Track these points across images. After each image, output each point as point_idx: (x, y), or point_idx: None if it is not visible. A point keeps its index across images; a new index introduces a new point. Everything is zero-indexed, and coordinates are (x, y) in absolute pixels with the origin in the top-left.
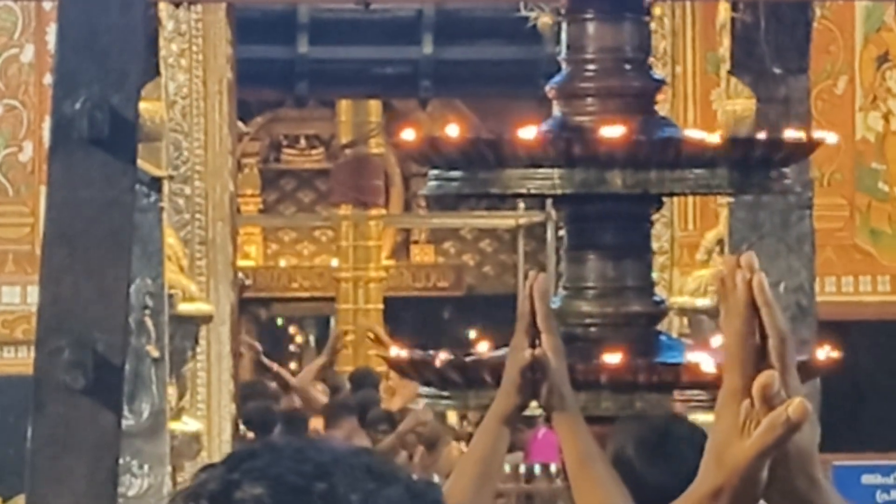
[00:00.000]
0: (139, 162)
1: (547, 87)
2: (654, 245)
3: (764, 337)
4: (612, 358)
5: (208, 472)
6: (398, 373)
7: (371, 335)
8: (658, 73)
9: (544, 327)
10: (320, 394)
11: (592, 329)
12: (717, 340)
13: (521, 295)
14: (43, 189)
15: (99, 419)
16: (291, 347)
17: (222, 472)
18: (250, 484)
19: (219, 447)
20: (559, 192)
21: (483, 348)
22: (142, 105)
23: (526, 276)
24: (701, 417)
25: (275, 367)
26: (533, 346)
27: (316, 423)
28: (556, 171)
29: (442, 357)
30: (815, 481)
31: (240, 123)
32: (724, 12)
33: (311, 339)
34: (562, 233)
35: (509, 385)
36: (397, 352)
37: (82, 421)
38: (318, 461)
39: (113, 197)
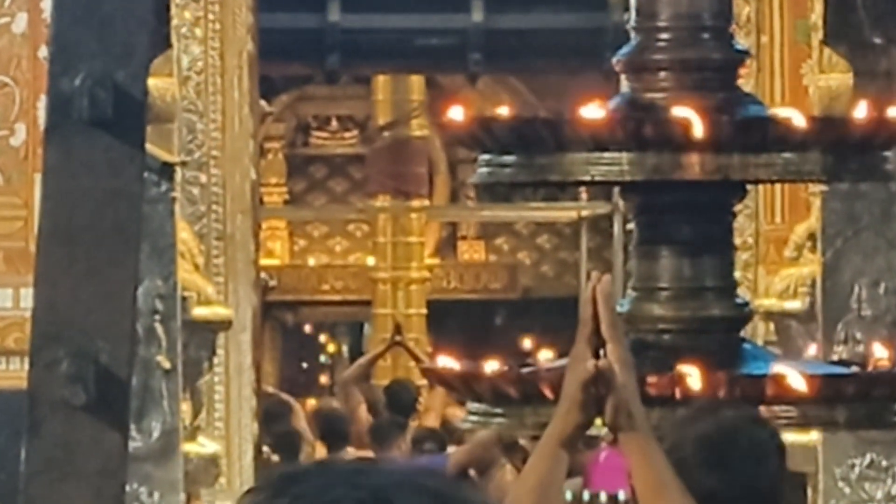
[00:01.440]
0: (148, 146)
1: (614, 60)
2: (737, 240)
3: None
4: (689, 369)
5: (251, 497)
6: (444, 387)
7: (398, 339)
8: (741, 43)
9: (610, 335)
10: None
11: (666, 336)
12: (809, 349)
13: (584, 298)
14: (38, 177)
15: (102, 440)
16: (322, 358)
17: (267, 498)
18: None
19: (239, 471)
20: (628, 179)
21: (541, 358)
22: (150, 82)
23: (589, 277)
24: (790, 437)
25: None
26: (597, 356)
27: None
28: (624, 156)
29: (494, 368)
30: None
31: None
32: None
33: (344, 348)
34: (631, 226)
35: (569, 402)
36: (443, 362)
37: (83, 442)
38: (377, 485)
39: (118, 186)
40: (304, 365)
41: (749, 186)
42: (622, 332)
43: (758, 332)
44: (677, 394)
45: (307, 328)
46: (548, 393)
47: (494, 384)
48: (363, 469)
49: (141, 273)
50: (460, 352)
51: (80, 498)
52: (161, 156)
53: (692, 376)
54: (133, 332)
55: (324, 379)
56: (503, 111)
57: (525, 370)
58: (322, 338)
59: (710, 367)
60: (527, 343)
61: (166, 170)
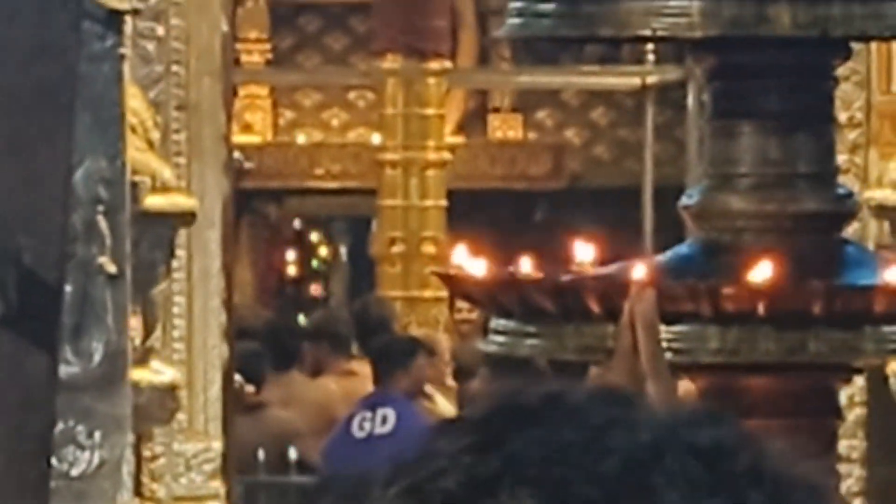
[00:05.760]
0: None
1: None
2: (841, 114)
3: None
4: (775, 277)
5: (446, 440)
6: (463, 298)
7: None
8: None
9: (651, 370)
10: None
11: (746, 235)
12: None
13: (622, 321)
14: None
15: (25, 363)
16: (314, 263)
17: (478, 444)
18: (523, 487)
19: (204, 406)
20: (700, 34)
21: (587, 263)
22: None
23: (656, 162)
24: None
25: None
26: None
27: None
28: (695, 4)
29: (529, 275)
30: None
31: None
32: None
33: (343, 250)
34: (706, 96)
35: None
36: (463, 268)
37: (2, 365)
38: (648, 440)
39: (47, 38)
40: (292, 271)
41: (856, 45)
42: (666, 365)
43: (868, 231)
44: (760, 309)
45: (295, 224)
46: (594, 307)
47: (526, 295)
48: (612, 419)
49: (79, 151)
50: (489, 255)
51: None
52: (106, 1)
53: (780, 287)
54: (66, 225)
55: (316, 289)
56: None
57: (567, 277)
58: (314, 237)
59: (804, 276)
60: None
61: (112, 19)
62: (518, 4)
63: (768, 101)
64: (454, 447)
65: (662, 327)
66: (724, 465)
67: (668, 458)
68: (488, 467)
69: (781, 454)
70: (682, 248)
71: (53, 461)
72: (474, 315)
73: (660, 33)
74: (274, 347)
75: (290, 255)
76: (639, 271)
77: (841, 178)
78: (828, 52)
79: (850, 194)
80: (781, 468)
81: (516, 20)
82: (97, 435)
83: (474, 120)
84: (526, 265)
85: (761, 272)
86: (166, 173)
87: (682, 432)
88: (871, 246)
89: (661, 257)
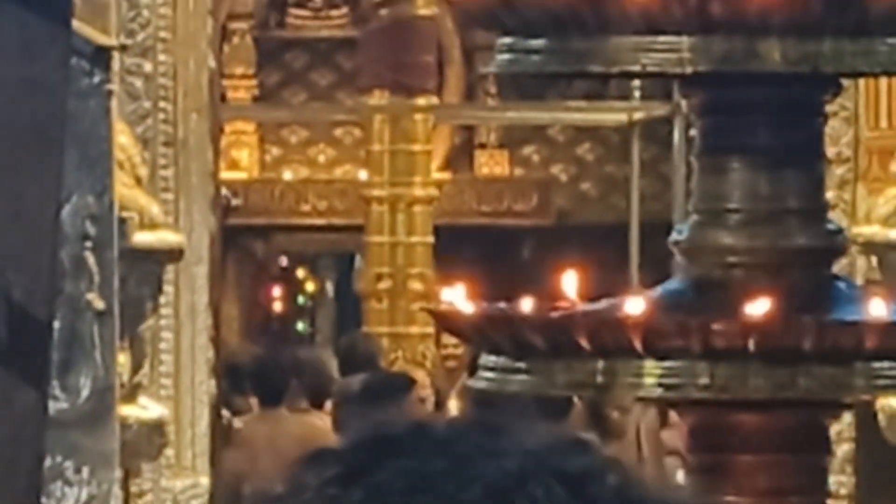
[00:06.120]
0: (76, 24)
1: None
2: (829, 150)
3: None
4: (766, 313)
5: (317, 469)
6: (454, 334)
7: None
8: None
9: None
10: None
11: (736, 271)
12: None
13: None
14: None
15: (14, 399)
16: (300, 299)
17: (348, 472)
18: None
19: (191, 442)
20: (690, 70)
21: (576, 300)
22: None
23: (643, 198)
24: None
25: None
26: None
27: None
28: (685, 40)
29: (519, 311)
30: None
31: None
32: None
33: (329, 286)
34: (694, 132)
35: None
36: (453, 305)
37: None
38: (514, 467)
39: (36, 75)
40: (278, 307)
41: (845, 81)
42: None
43: (856, 267)
44: (750, 345)
45: (281, 261)
46: (584, 343)
47: (517, 331)
48: (487, 429)
49: (67, 188)
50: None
51: None
52: (94, 37)
53: (770, 323)
54: (55, 262)
55: (302, 326)
56: None
57: (557, 314)
58: (300, 273)
59: (794, 312)
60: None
61: (100, 55)
62: (507, 41)
63: (758, 136)
64: (320, 478)
65: (653, 362)
66: (590, 490)
67: (533, 484)
68: (352, 498)
69: (649, 480)
70: (673, 284)
71: (42, 498)
72: (460, 351)
73: (650, 69)
74: (262, 384)
75: (277, 291)
76: (633, 306)
77: (830, 214)
78: (818, 88)
79: (839, 230)
80: (648, 493)
81: (506, 56)
82: (85, 471)
83: (461, 156)
84: (515, 302)
85: (751, 308)
86: (154, 209)
87: (549, 459)
88: (859, 282)
89: (652, 293)
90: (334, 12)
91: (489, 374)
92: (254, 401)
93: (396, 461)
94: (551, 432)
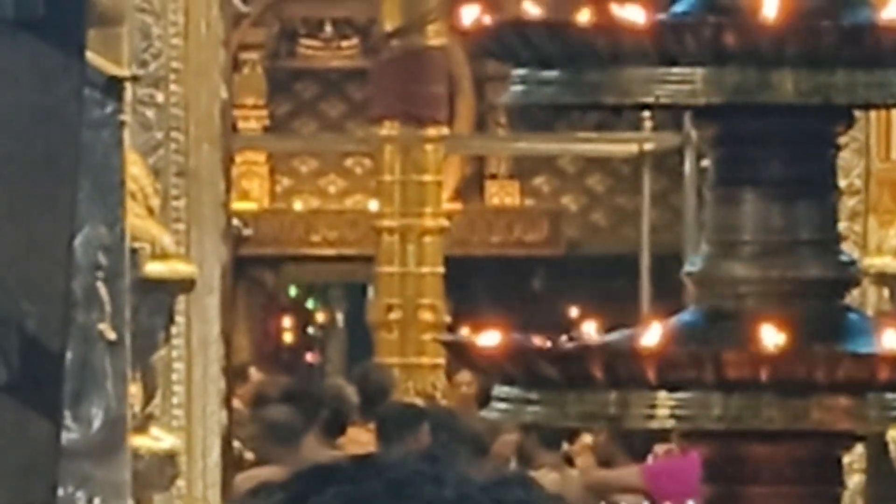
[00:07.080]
0: (89, 55)
1: None
2: (841, 181)
3: None
4: (779, 344)
5: (262, 498)
6: (466, 365)
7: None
8: None
9: None
10: None
11: (749, 302)
12: None
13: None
14: None
15: (28, 429)
16: (310, 330)
17: (290, 499)
18: None
19: (203, 472)
20: (703, 101)
21: (589, 330)
22: None
23: (653, 229)
24: None
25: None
26: None
27: None
28: (698, 72)
29: (533, 342)
30: None
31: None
32: None
33: (339, 316)
34: (705, 163)
35: None
36: (463, 337)
37: (4, 432)
38: (453, 495)
39: (49, 105)
40: (288, 338)
41: (857, 113)
42: None
43: (867, 298)
44: (763, 376)
45: (292, 291)
46: (597, 374)
47: (530, 363)
48: (417, 472)
49: (79, 218)
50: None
51: None
52: (106, 68)
53: (783, 354)
54: (68, 292)
55: (311, 357)
56: (542, 13)
57: (570, 345)
58: (310, 303)
59: (807, 343)
60: (572, 311)
61: (113, 86)
62: (521, 72)
63: (771, 168)
64: (275, 496)
65: (666, 394)
66: None
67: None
68: None
69: None
70: (685, 315)
71: None
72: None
73: (663, 101)
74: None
75: (287, 321)
76: (646, 338)
77: (842, 246)
78: (831, 119)
79: (852, 261)
80: None
81: (519, 87)
82: (97, 501)
83: (471, 186)
84: (528, 333)
85: (764, 339)
86: (166, 240)
87: (489, 490)
88: (870, 313)
89: (664, 324)
90: (345, 43)
91: (502, 405)
92: None
93: (337, 487)
94: (493, 467)
